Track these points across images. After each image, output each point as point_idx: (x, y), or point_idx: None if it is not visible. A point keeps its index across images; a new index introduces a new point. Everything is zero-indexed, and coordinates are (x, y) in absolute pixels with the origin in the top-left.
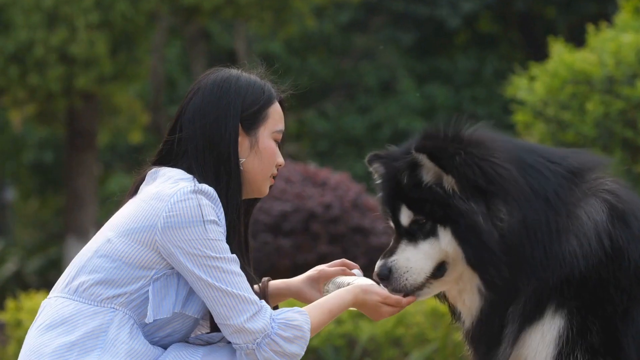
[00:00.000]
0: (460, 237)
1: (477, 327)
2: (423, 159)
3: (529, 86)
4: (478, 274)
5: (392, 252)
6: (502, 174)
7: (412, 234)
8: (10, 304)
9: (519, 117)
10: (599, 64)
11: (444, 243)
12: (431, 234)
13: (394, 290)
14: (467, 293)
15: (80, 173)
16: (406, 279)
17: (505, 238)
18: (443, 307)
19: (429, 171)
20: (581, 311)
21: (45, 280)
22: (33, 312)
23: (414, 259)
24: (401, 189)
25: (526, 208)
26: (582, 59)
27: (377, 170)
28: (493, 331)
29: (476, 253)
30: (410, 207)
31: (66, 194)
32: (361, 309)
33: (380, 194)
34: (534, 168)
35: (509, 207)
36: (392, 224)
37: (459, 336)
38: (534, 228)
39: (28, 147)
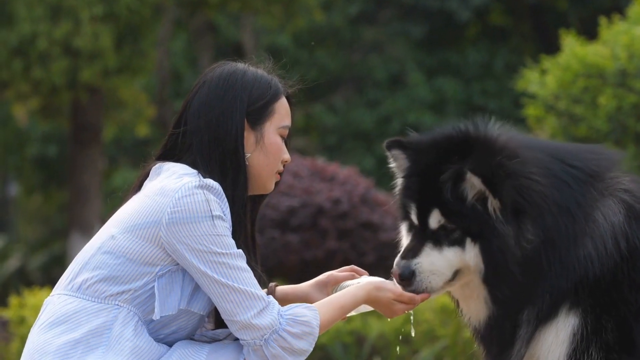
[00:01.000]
0: (488, 255)
1: (488, 330)
2: (475, 179)
3: (540, 80)
4: (488, 289)
5: (415, 253)
6: (541, 195)
7: (437, 238)
8: (13, 300)
9: (530, 111)
10: (612, 57)
11: (469, 256)
12: (457, 243)
13: (413, 292)
14: (474, 300)
15: (84, 168)
16: (429, 282)
17: (526, 257)
18: (453, 304)
19: (473, 188)
20: (595, 310)
21: (49, 277)
22: (37, 309)
23: (438, 264)
24: (437, 193)
25: (550, 225)
26: (595, 52)
27: (396, 158)
28: (505, 334)
29: (496, 272)
30: (444, 215)
31: (70, 189)
32: (374, 305)
33: (402, 186)
34: (559, 179)
35: (536, 227)
36: (414, 220)
37: (469, 333)
38: (553, 241)
39: (32, 141)
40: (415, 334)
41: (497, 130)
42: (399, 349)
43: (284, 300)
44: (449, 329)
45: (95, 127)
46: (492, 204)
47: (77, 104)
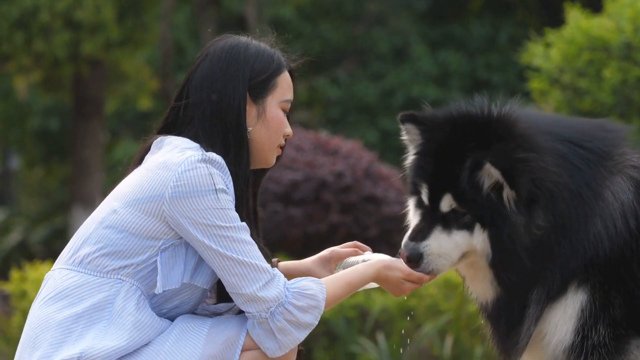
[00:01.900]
0: (496, 241)
1: (496, 311)
2: (494, 171)
3: (544, 53)
4: (494, 273)
5: (424, 236)
6: (555, 184)
7: (447, 221)
8: (14, 274)
9: (535, 84)
10: (617, 30)
11: (477, 241)
12: (466, 227)
13: (420, 272)
14: (479, 282)
15: (86, 141)
16: (436, 265)
17: (535, 243)
18: (456, 278)
19: (491, 178)
20: (604, 286)
21: (51, 250)
22: (38, 283)
23: (446, 247)
24: (452, 178)
25: (561, 211)
26: (599, 25)
27: (409, 132)
28: (514, 314)
29: (503, 258)
30: (456, 200)
31: (72, 163)
32: (382, 284)
33: (414, 164)
34: (572, 164)
35: (547, 214)
36: (425, 201)
37: (472, 307)
38: (563, 226)
39: (33, 114)
40: (418, 308)
41: (513, 112)
42: (402, 324)
43: (286, 276)
44: (453, 303)
45: (97, 100)
46: (508, 194)
47: (79, 77)
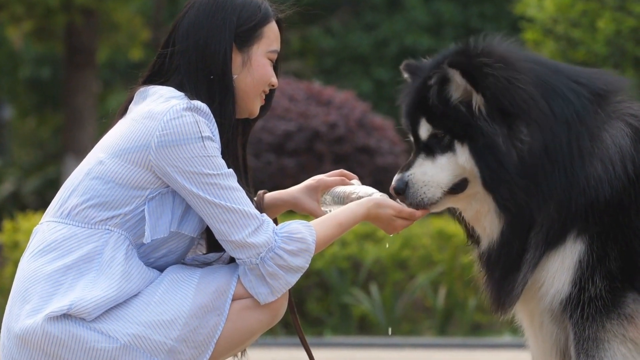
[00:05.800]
0: (478, 155)
1: (496, 251)
2: (455, 75)
3: (538, 3)
4: (492, 196)
5: (409, 166)
6: (526, 98)
7: (430, 149)
8: (7, 225)
9: (529, 35)
10: None
11: (462, 159)
12: (449, 148)
13: (411, 205)
14: (484, 215)
15: (79, 91)
16: (424, 193)
17: (524, 160)
18: (450, 229)
19: (458, 88)
20: (601, 236)
21: (43, 201)
22: (30, 233)
23: (431, 173)
24: (424, 102)
25: (546, 131)
26: None
27: (406, 81)
28: (512, 256)
29: (492, 173)
30: (429, 121)
31: (65, 112)
32: (374, 222)
33: (403, 107)
34: (556, 91)
35: (530, 129)
36: (412, 138)
37: (466, 259)
38: (554, 151)
39: (25, 63)
40: (411, 259)
41: (502, 46)
42: (395, 275)
43: (273, 207)
44: (446, 254)
45: (90, 49)
46: (477, 101)
47: (71, 27)
